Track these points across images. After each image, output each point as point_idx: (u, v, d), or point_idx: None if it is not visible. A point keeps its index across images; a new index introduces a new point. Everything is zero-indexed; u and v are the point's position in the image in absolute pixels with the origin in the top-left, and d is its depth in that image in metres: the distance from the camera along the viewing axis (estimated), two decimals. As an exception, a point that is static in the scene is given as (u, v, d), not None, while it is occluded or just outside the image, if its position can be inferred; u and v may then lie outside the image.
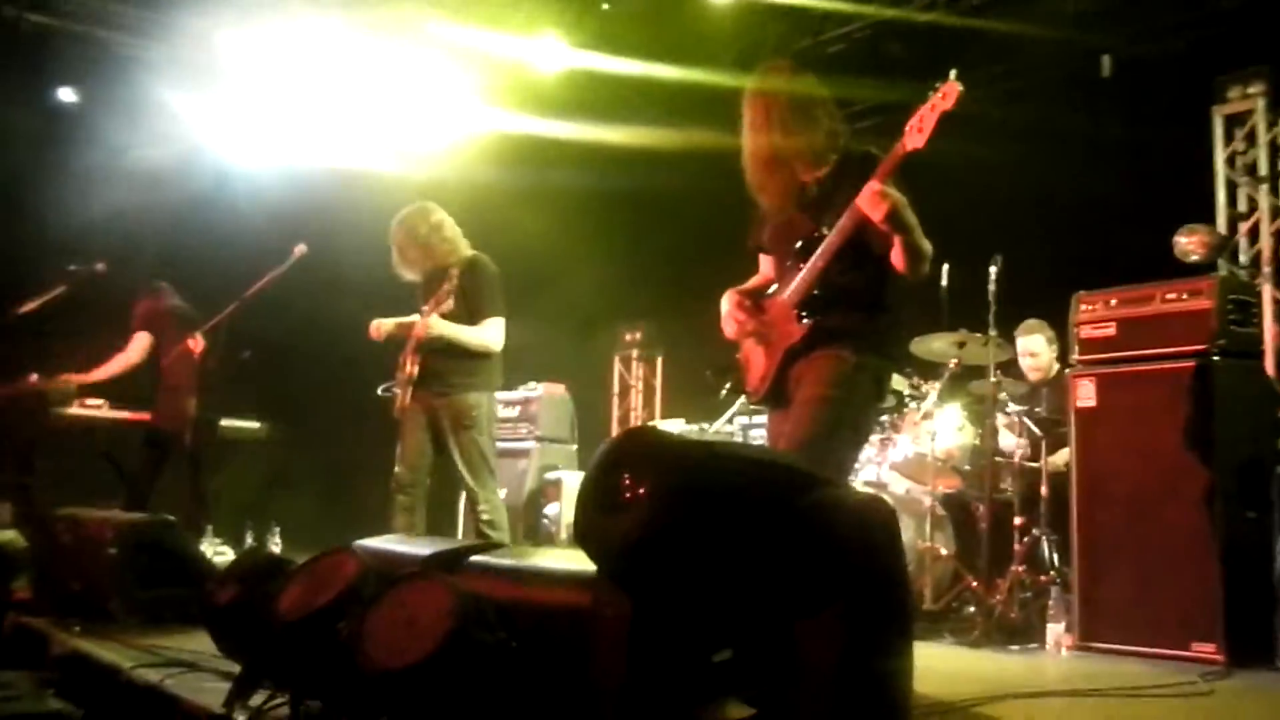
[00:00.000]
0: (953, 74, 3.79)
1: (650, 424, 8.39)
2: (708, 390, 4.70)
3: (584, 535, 2.64)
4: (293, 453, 10.52)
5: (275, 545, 8.89)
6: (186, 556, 5.37)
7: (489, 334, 6.21)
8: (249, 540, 9.12)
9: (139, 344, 8.22)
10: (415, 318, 6.25)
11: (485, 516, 6.20)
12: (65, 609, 5.04)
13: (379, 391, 6.40)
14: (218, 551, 8.03)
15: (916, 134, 3.81)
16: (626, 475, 2.47)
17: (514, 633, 2.73)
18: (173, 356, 8.02)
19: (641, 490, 2.43)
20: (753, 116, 4.26)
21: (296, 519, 9.82)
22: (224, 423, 9.09)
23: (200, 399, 8.03)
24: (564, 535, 8.70)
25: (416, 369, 6.22)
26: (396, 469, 6.26)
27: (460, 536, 8.95)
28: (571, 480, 8.97)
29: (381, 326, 6.41)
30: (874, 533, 2.48)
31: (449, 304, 6.13)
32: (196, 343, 7.90)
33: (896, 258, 3.97)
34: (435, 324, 6.12)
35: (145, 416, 8.32)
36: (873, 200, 3.81)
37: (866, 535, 2.46)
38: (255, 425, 9.64)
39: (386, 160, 9.91)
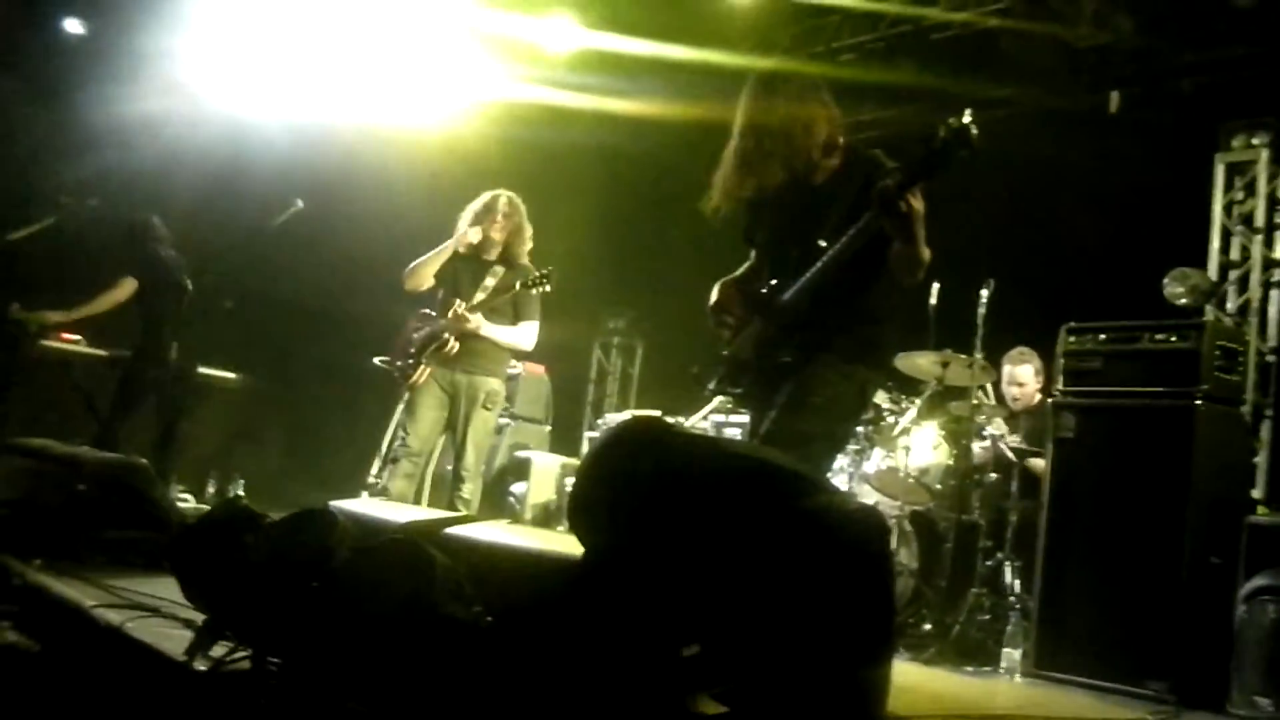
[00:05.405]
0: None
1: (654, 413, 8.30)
2: (687, 383, 4.66)
3: (578, 512, 2.63)
4: (263, 406, 10.48)
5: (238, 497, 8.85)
6: (156, 501, 5.33)
7: (523, 336, 6.71)
8: (210, 490, 9.07)
9: (127, 286, 8.19)
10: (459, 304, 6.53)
11: (466, 495, 6.53)
12: (29, 542, 4.99)
13: (375, 361, 6.47)
14: (180, 498, 7.99)
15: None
16: (631, 459, 2.47)
17: (491, 609, 2.72)
18: (158, 299, 8.04)
19: (643, 475, 2.44)
20: (748, 121, 4.21)
21: (260, 473, 9.78)
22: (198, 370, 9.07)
23: (180, 345, 8.07)
24: (529, 515, 8.68)
25: (456, 347, 6.52)
26: (408, 438, 6.53)
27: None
28: (541, 461, 8.96)
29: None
30: (868, 542, 2.49)
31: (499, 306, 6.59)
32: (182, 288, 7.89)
33: (897, 264, 3.94)
34: (485, 328, 6.55)
35: (123, 354, 8.30)
36: (895, 205, 3.72)
37: (861, 544, 2.47)
38: (229, 375, 9.60)
39: (383, 124, 9.85)
